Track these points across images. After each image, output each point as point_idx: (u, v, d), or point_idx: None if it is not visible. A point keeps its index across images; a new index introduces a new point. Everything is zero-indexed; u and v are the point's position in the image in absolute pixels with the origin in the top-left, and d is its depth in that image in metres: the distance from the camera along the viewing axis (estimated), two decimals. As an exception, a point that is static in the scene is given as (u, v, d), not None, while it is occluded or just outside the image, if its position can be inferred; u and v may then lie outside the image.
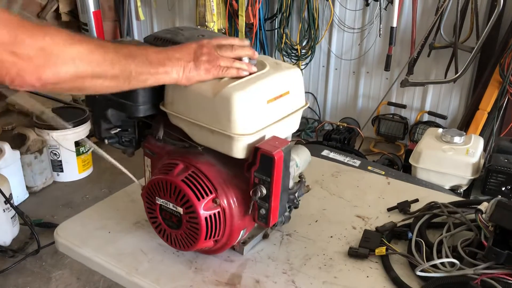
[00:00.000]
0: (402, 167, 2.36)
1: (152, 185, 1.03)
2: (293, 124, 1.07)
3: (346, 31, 3.58)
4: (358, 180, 1.49)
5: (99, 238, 1.19)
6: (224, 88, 0.93)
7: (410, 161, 1.87)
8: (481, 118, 2.87)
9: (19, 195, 2.77)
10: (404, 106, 3.45)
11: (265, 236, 1.18)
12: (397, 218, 1.29)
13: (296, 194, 1.08)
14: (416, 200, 1.33)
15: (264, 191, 0.96)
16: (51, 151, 2.98)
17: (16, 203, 2.55)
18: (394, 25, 3.18)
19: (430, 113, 3.38)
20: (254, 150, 0.95)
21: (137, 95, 1.02)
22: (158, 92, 1.04)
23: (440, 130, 1.95)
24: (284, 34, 3.65)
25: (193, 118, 0.98)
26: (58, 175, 3.06)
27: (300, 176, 1.11)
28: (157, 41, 1.10)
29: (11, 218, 2.41)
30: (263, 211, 0.98)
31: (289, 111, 1.03)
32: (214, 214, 0.99)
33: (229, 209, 1.01)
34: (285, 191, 1.00)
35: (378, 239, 1.17)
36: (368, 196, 1.40)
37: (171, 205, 1.01)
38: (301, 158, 1.11)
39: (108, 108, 1.06)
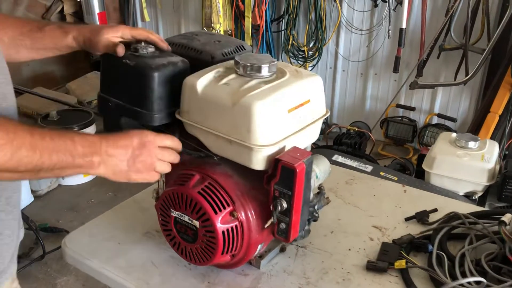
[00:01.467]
0: (414, 172, 2.32)
1: (167, 197, 1.00)
2: (314, 134, 1.03)
3: (354, 33, 3.54)
4: (374, 188, 1.45)
5: (108, 250, 1.16)
6: (244, 97, 0.89)
7: (424, 166, 1.82)
8: (492, 121, 2.83)
9: (24, 199, 2.73)
10: (413, 109, 3.41)
11: (283, 250, 1.14)
12: (415, 228, 1.25)
13: (316, 207, 1.05)
14: (435, 210, 1.29)
15: (285, 205, 0.92)
16: (56, 154, 2.94)
17: (21, 208, 2.51)
18: (403, 26, 3.13)
19: (439, 115, 3.34)
20: (275, 162, 0.91)
21: (152, 104, 0.98)
22: (173, 100, 1.00)
23: (454, 134, 1.91)
24: (291, 36, 3.61)
25: (210, 127, 0.94)
26: (63, 178, 3.02)
27: (320, 188, 1.07)
28: (172, 46, 1.06)
29: (16, 222, 2.38)
30: (283, 226, 0.94)
31: (309, 120, 0.99)
32: (232, 228, 0.95)
33: (247, 222, 0.97)
34: (306, 204, 0.96)
35: (397, 252, 1.13)
36: (385, 205, 1.36)
37: (186, 218, 0.98)
38: (321, 169, 1.07)
39: (122, 116, 1.02)
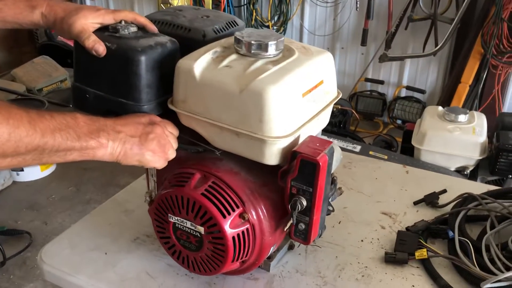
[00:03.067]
0: (399, 148, 2.26)
1: (164, 200, 0.86)
2: (325, 119, 0.91)
3: (319, 5, 3.42)
4: (375, 171, 1.36)
5: (94, 262, 1.01)
6: (253, 81, 0.76)
7: (414, 143, 1.76)
8: (463, 91, 2.82)
9: (-24, 200, 2.49)
10: (381, 82, 3.36)
11: (291, 247, 1.03)
12: (426, 212, 1.18)
13: (330, 199, 0.94)
14: (444, 191, 1.21)
15: (305, 203, 0.80)
16: (8, 149, 2.69)
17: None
18: (371, -3, 3.05)
19: (408, 88, 3.31)
20: (292, 155, 0.79)
21: (139, 93, 0.83)
22: (164, 88, 0.85)
23: (440, 108, 1.85)
24: (254, 10, 3.45)
25: (212, 118, 0.80)
26: (17, 174, 2.77)
27: (333, 178, 0.96)
28: (154, 24, 0.90)
29: (-31, 227, 2.16)
30: (302, 226, 0.83)
31: (323, 104, 0.87)
32: (243, 232, 0.83)
33: (259, 224, 0.85)
34: (326, 200, 0.85)
35: (415, 241, 1.05)
36: (389, 189, 1.28)
37: (188, 224, 0.84)
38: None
39: (102, 109, 0.86)
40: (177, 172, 0.88)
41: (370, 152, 1.73)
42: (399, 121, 3.29)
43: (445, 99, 2.96)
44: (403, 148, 1.99)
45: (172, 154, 0.82)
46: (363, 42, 3.18)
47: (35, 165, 0.73)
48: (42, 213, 2.49)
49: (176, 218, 0.85)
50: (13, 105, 0.66)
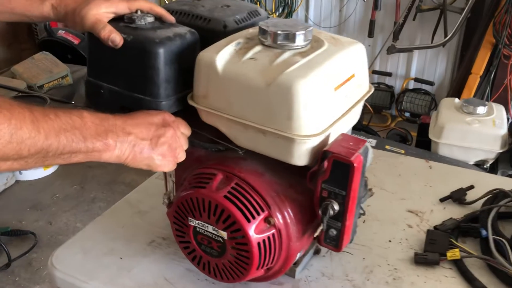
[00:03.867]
0: (414, 142, 2.20)
1: (184, 203, 0.80)
2: (356, 115, 0.85)
3: (324, -4, 3.36)
4: (396, 166, 1.30)
5: (108, 268, 0.95)
6: (281, 74, 0.70)
7: (431, 136, 1.70)
8: (474, 82, 2.75)
9: (-22, 199, 2.43)
10: (389, 74, 3.29)
11: (317, 252, 0.97)
12: (454, 210, 1.12)
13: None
14: (471, 187, 1.16)
15: (337, 208, 0.74)
16: (10, 146, 2.62)
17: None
18: (379, -13, 2.98)
19: (416, 80, 3.24)
20: (323, 155, 0.73)
21: (158, 88, 0.77)
22: (183, 83, 0.79)
23: (457, 100, 1.80)
24: (258, 2, 3.38)
25: (236, 115, 0.75)
26: (20, 173, 2.70)
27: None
28: (172, 15, 0.85)
29: (-28, 228, 2.10)
30: (333, 232, 0.77)
31: (355, 99, 0.82)
32: (268, 238, 0.78)
33: (285, 229, 0.79)
34: (359, 204, 0.79)
35: (446, 240, 0.99)
36: (414, 185, 1.22)
37: (210, 228, 0.79)
38: (363, 155, 0.90)
39: (119, 105, 0.81)
40: (197, 172, 0.82)
41: (387, 147, 1.67)
42: (407, 114, 3.23)
43: (455, 91, 2.90)
44: (418, 141, 1.94)
45: (182, 157, 0.77)
46: (370, 34, 3.11)
47: (37, 167, 0.68)
48: (46, 212, 2.43)
49: (196, 222, 0.80)
50: (16, 103, 0.61)
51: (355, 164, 0.71)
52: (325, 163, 0.73)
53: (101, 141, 0.67)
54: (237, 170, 0.79)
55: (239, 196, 0.77)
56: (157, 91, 0.77)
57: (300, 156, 0.74)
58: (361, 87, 0.83)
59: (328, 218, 0.75)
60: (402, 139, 2.38)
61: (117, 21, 0.79)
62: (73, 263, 0.97)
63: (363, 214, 0.87)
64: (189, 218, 0.81)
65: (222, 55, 0.75)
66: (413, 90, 3.23)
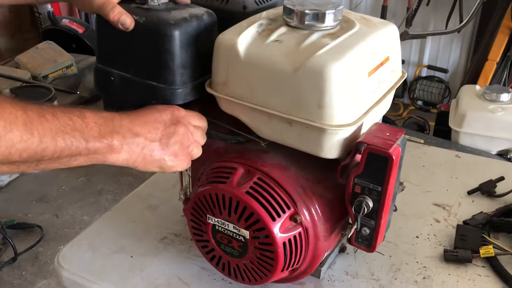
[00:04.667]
0: (430, 130, 2.11)
1: (201, 199, 0.74)
2: (388, 103, 0.78)
3: (334, -18, 3.26)
4: (420, 157, 1.24)
5: (119, 267, 0.90)
6: (311, 57, 0.63)
7: (451, 125, 1.63)
8: (490, 69, 2.66)
9: (-17, 192, 2.38)
10: (402, 62, 3.20)
11: (343, 250, 0.91)
12: (483, 203, 1.06)
13: (391, 195, 0.82)
14: (502, 178, 1.09)
15: (371, 204, 0.68)
16: (15, 137, 2.57)
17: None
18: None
19: (429, 67, 3.16)
20: (356, 146, 0.67)
21: (173, 74, 0.70)
22: (200, 69, 0.73)
23: (478, 87, 1.72)
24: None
25: (259, 103, 0.68)
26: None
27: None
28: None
29: (-22, 220, 2.05)
30: (366, 231, 0.71)
31: (389, 84, 0.75)
32: (295, 237, 0.71)
33: (313, 227, 0.73)
34: (394, 200, 0.73)
35: (477, 236, 0.93)
36: (439, 177, 1.16)
37: (231, 227, 0.73)
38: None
39: (130, 93, 0.74)
40: (216, 166, 0.76)
41: (406, 136, 1.59)
42: (420, 102, 3.15)
43: (470, 78, 2.81)
44: (436, 130, 1.86)
45: (197, 154, 0.70)
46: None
47: (31, 171, 0.62)
48: (52, 205, 2.38)
49: (216, 219, 0.74)
50: (8, 102, 0.54)
51: (393, 157, 0.64)
52: (359, 156, 0.66)
53: (105, 143, 0.60)
54: (259, 164, 0.73)
55: (262, 192, 0.70)
56: (173, 77, 0.70)
57: (331, 148, 0.67)
58: (394, 73, 0.76)
59: (361, 216, 0.69)
60: (420, 128, 2.30)
61: (128, 2, 0.73)
62: (81, 262, 0.91)
63: (395, 210, 0.80)
64: (208, 215, 0.74)
65: (243, 38, 0.68)
66: (426, 77, 3.14)
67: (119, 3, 0.71)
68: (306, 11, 0.67)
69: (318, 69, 0.62)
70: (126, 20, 0.69)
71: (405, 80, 3.06)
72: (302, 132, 0.67)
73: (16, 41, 3.86)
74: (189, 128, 0.68)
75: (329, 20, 0.68)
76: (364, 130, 0.70)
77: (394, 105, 3.31)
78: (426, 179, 1.14)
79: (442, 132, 1.76)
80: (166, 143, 0.65)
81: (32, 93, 2.66)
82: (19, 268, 1.99)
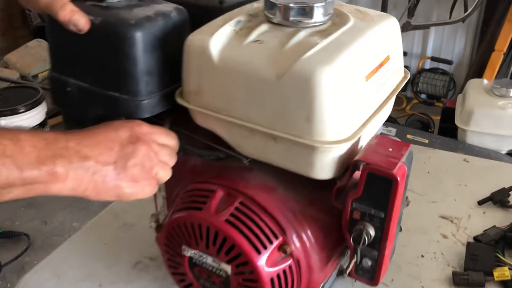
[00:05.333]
0: (434, 128, 2.00)
1: (175, 229, 0.64)
2: (388, 110, 0.68)
3: (332, -28, 3.13)
4: (425, 162, 1.13)
5: (88, 298, 0.80)
6: (297, 61, 0.52)
7: (458, 123, 1.52)
8: (497, 60, 2.54)
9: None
10: (404, 54, 3.08)
11: (341, 273, 0.80)
12: (496, 215, 0.96)
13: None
14: (515, 186, 0.99)
15: (373, 233, 0.57)
16: (3, 141, 2.47)
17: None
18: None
19: (433, 58, 3.03)
20: (353, 165, 0.56)
21: (136, 83, 0.60)
22: (170, 74, 0.62)
23: (486, 81, 1.61)
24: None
25: (237, 116, 0.57)
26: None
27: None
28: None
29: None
30: (367, 263, 0.60)
31: (390, 88, 0.64)
32: (284, 271, 0.61)
33: (305, 258, 0.62)
34: (399, 224, 0.62)
35: (491, 255, 0.83)
36: (446, 185, 1.05)
37: (209, 260, 0.62)
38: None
39: (90, 106, 0.64)
40: (192, 188, 0.65)
41: (408, 136, 1.48)
42: (423, 96, 3.03)
43: (476, 70, 2.69)
44: (441, 128, 1.75)
45: (164, 176, 0.58)
46: (383, 10, 2.90)
47: None
48: (41, 211, 2.28)
49: (193, 251, 0.63)
50: None
51: (398, 178, 0.53)
52: (357, 176, 0.56)
53: (44, 171, 0.49)
54: (241, 185, 0.62)
55: (245, 219, 0.60)
56: (136, 87, 0.60)
57: (323, 168, 0.56)
58: (396, 74, 0.65)
59: (362, 247, 0.58)
60: (424, 125, 2.17)
61: (83, -1, 0.62)
62: (45, 292, 0.81)
63: (400, 230, 0.70)
64: (184, 246, 0.64)
65: (217, 38, 0.57)
66: (430, 70, 3.02)
67: (72, 1, 0.60)
68: (291, 5, 0.57)
69: (305, 75, 0.51)
70: (79, 20, 0.58)
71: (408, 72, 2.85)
72: (289, 149, 0.56)
73: (7, 40, 3.76)
74: (152, 146, 0.57)
75: (318, 14, 0.57)
76: (362, 143, 0.59)
77: (396, 99, 3.19)
78: (431, 188, 1.04)
79: (448, 130, 1.64)
80: (122, 166, 0.54)
81: (20, 94, 2.55)
82: (4, 280, 1.89)
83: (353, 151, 0.57)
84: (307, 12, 0.57)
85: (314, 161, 0.55)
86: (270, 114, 0.55)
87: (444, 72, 2.96)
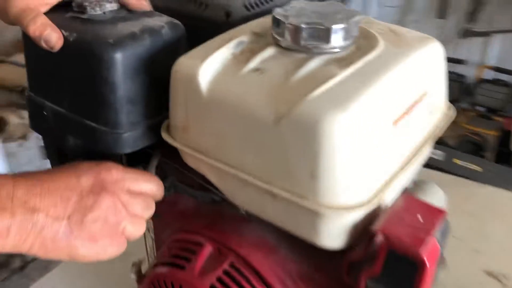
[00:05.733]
0: (496, 153, 1.79)
1: (156, 285, 0.54)
2: (421, 159, 0.54)
3: (389, -29, 2.95)
4: (468, 200, 0.97)
5: None
6: (303, 100, 0.41)
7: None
8: None
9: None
10: (462, 62, 2.85)
11: None
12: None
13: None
14: None
15: (392, 322, 0.45)
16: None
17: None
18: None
19: (497, 69, 2.77)
20: (370, 238, 0.44)
21: (115, 112, 0.50)
22: (158, 102, 0.52)
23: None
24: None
25: (230, 163, 0.46)
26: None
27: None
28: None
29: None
30: None
31: (424, 132, 0.51)
32: None
33: (308, 336, 0.50)
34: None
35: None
36: (493, 230, 0.90)
37: (193, 326, 0.52)
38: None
39: (66, 134, 0.55)
40: (179, 238, 0.55)
41: (455, 161, 1.32)
42: (481, 109, 2.79)
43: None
44: (499, 153, 1.57)
45: (135, 233, 0.48)
46: (442, 15, 2.69)
47: None
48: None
49: (174, 313, 0.53)
50: None
51: (426, 263, 0.40)
52: (375, 250, 0.43)
53: None
54: (234, 241, 0.51)
55: (233, 286, 0.49)
56: (115, 117, 0.50)
57: (331, 236, 0.44)
58: (433, 113, 0.51)
59: None
60: (477, 148, 1.95)
61: (63, 10, 0.53)
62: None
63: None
64: (165, 305, 0.54)
65: (210, 64, 0.46)
66: (490, 80, 2.78)
67: (48, 11, 0.51)
68: (302, 25, 0.45)
69: (310, 120, 0.40)
70: (50, 36, 0.49)
71: (462, 82, 2.64)
72: (289, 209, 0.44)
73: None
74: (120, 197, 0.47)
75: (337, 38, 0.45)
76: (386, 204, 0.47)
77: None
78: (477, 234, 0.89)
79: (505, 156, 1.47)
80: (78, 221, 0.44)
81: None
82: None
83: (372, 216, 0.45)
84: (322, 35, 0.45)
85: (319, 228, 0.44)
86: (267, 164, 0.44)
87: (506, 84, 2.71)
